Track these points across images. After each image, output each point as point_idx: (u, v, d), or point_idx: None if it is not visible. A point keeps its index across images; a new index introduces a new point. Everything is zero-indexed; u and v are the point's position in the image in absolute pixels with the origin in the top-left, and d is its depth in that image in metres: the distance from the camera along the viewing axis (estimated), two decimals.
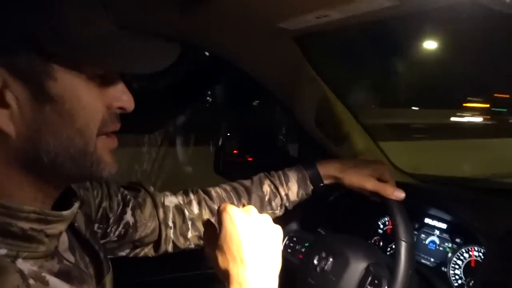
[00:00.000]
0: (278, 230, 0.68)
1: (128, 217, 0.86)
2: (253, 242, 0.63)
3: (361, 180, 0.99)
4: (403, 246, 0.86)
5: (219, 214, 0.67)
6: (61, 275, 0.56)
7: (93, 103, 0.52)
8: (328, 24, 0.86)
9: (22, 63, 0.47)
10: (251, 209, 0.68)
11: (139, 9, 0.85)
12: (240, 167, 1.74)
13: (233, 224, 0.64)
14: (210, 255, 0.67)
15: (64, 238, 0.63)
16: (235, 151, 1.74)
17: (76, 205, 0.60)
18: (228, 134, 1.74)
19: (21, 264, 0.51)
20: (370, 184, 0.98)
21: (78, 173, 0.55)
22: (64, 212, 0.56)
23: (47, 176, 0.54)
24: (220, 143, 1.74)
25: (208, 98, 1.78)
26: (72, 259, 0.63)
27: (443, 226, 1.10)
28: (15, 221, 0.50)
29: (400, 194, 0.93)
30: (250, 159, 1.74)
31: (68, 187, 0.62)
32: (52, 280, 0.54)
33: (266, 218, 0.68)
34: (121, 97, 0.56)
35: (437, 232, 1.11)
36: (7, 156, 0.50)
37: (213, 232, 0.68)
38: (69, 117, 0.50)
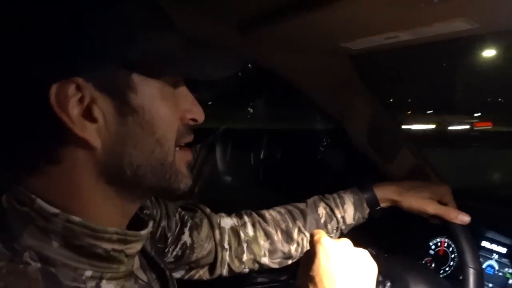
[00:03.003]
0: (373, 265, 0.66)
1: (186, 237, 0.86)
2: (347, 277, 0.62)
3: (421, 203, 0.96)
4: (471, 274, 0.83)
5: (312, 244, 0.66)
6: None
7: (169, 114, 0.54)
8: (394, 44, 0.84)
9: (107, 78, 0.48)
10: (346, 242, 0.67)
11: (202, 27, 0.84)
12: (280, 178, 1.73)
13: (327, 257, 0.63)
14: (302, 286, 0.65)
15: (136, 257, 0.63)
16: (275, 163, 1.72)
17: (151, 224, 0.61)
18: (270, 146, 1.73)
19: (105, 285, 0.52)
20: (431, 207, 0.95)
21: (158, 185, 0.55)
22: (142, 232, 0.57)
23: (128, 189, 0.54)
24: (261, 155, 1.72)
25: (249, 109, 1.77)
26: (144, 278, 0.63)
27: (503, 250, 1.06)
28: (100, 242, 0.51)
29: (465, 218, 0.91)
30: (290, 170, 1.72)
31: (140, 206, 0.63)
32: None
33: (362, 253, 0.67)
34: (193, 109, 0.58)
35: (495, 256, 1.07)
36: (93, 170, 0.50)
37: (308, 263, 0.65)
38: (149, 128, 0.52)
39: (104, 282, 0.52)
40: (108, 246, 0.52)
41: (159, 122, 0.52)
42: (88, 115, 0.48)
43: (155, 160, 0.53)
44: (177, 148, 0.57)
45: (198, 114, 0.58)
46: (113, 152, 0.50)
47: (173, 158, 0.55)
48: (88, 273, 0.50)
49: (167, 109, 0.53)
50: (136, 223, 0.61)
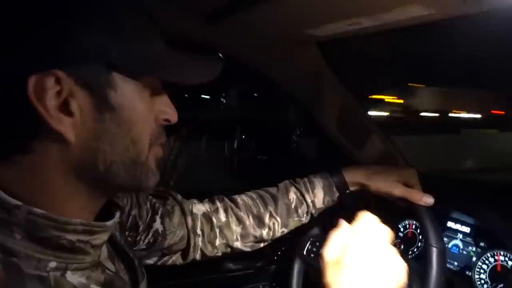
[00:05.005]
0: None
1: (157, 225, 0.87)
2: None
3: (388, 186, 0.99)
4: (434, 252, 0.86)
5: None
6: (106, 285, 0.57)
7: (146, 114, 0.55)
8: (357, 31, 0.86)
9: (88, 74, 0.49)
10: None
11: (168, 19, 0.85)
12: (254, 168, 1.75)
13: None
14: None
15: (103, 247, 0.63)
16: (249, 153, 1.73)
17: (118, 215, 0.61)
18: (243, 136, 1.74)
19: (70, 276, 0.52)
20: (397, 190, 0.97)
21: (129, 182, 0.56)
22: (108, 223, 0.57)
23: (99, 185, 0.55)
24: (235, 145, 1.74)
25: (222, 99, 1.77)
26: (112, 267, 0.64)
27: (467, 229, 1.10)
28: (64, 233, 0.51)
29: (429, 200, 0.93)
30: (264, 160, 1.74)
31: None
32: None
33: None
34: (167, 109, 0.59)
35: (460, 235, 1.11)
36: (65, 164, 0.51)
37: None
38: (126, 126, 0.52)
39: (69, 273, 0.52)
40: (73, 237, 0.52)
41: (135, 121, 0.53)
42: (65, 108, 0.48)
43: (128, 158, 0.54)
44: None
45: (171, 115, 0.59)
46: (87, 147, 0.51)
47: (146, 158, 0.56)
48: (52, 264, 0.50)
49: (145, 109, 0.54)
50: (103, 213, 0.61)
